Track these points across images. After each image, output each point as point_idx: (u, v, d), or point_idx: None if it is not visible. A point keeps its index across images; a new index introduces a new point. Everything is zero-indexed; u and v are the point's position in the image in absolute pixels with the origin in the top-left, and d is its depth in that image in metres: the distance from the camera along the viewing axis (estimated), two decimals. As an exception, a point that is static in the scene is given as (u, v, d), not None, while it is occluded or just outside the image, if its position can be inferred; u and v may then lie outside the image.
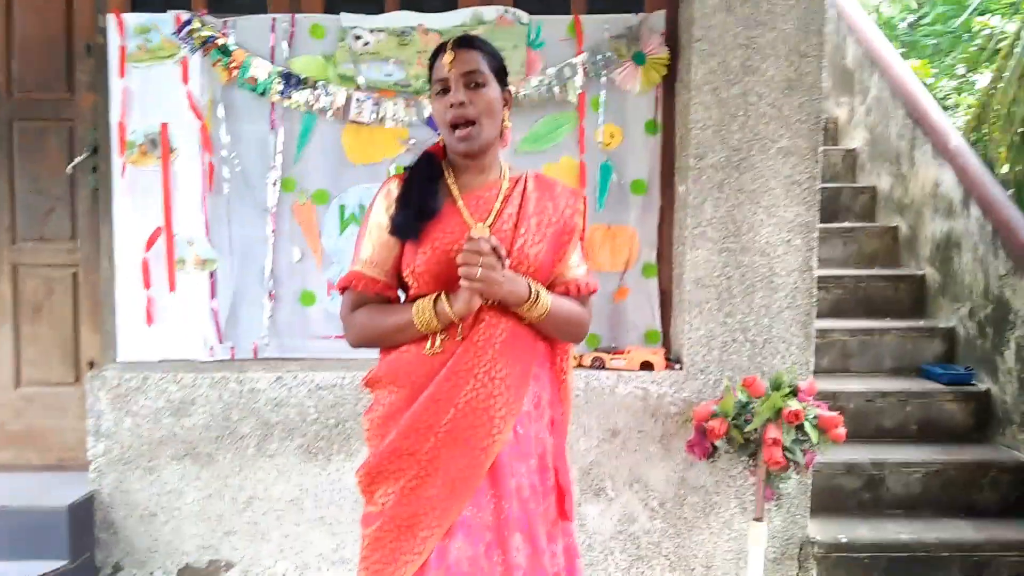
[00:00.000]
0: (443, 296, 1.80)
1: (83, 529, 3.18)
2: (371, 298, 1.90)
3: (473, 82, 1.82)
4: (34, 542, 3.08)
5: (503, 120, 1.89)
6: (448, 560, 1.76)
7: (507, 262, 1.77)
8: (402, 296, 1.96)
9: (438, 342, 1.83)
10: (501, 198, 1.89)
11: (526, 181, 1.94)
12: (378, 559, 1.83)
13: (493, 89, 1.85)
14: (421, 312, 1.80)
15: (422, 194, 1.85)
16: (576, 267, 1.98)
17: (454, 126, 1.83)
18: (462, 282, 1.74)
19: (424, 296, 1.84)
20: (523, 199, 1.90)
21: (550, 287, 1.91)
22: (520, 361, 1.86)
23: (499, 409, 1.82)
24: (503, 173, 1.94)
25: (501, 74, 1.89)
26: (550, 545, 1.88)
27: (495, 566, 1.77)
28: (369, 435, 1.93)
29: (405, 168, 1.95)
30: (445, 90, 1.84)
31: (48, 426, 3.55)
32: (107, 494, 3.23)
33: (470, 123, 1.82)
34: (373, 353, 3.28)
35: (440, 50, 1.87)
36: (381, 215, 1.88)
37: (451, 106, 1.81)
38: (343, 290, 1.92)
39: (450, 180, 1.89)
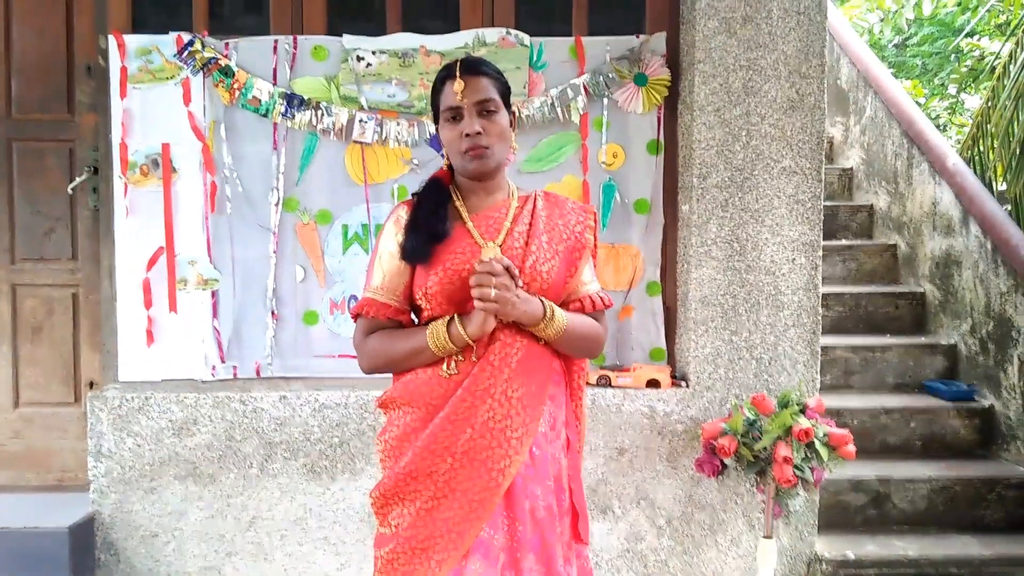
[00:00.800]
0: (456, 319, 1.79)
1: (84, 551, 3.15)
2: (384, 323, 1.89)
3: (485, 110, 1.83)
4: (35, 564, 3.05)
5: (511, 141, 1.91)
6: None
7: (520, 281, 1.77)
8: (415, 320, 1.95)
9: (453, 364, 1.82)
10: (511, 217, 1.89)
11: (535, 199, 1.94)
12: None
13: (504, 115, 1.86)
14: (435, 336, 1.79)
15: (431, 218, 1.84)
16: (589, 283, 1.98)
17: (465, 151, 1.83)
18: (476, 303, 1.74)
19: (437, 318, 1.84)
20: (533, 217, 1.90)
21: (564, 304, 1.91)
22: (536, 380, 1.85)
23: (515, 430, 1.81)
24: (511, 193, 1.95)
25: (507, 96, 1.90)
26: (566, 567, 1.87)
27: None
28: (383, 456, 1.91)
29: (413, 194, 1.95)
30: (456, 117, 1.83)
31: (48, 446, 3.53)
32: (108, 515, 3.20)
33: (485, 148, 1.83)
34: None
35: (446, 74, 1.86)
36: (391, 242, 1.88)
37: (466, 135, 1.81)
38: (356, 317, 1.92)
39: (458, 203, 1.89)
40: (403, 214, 1.90)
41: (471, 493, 1.78)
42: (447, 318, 1.81)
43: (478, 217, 1.88)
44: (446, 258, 1.81)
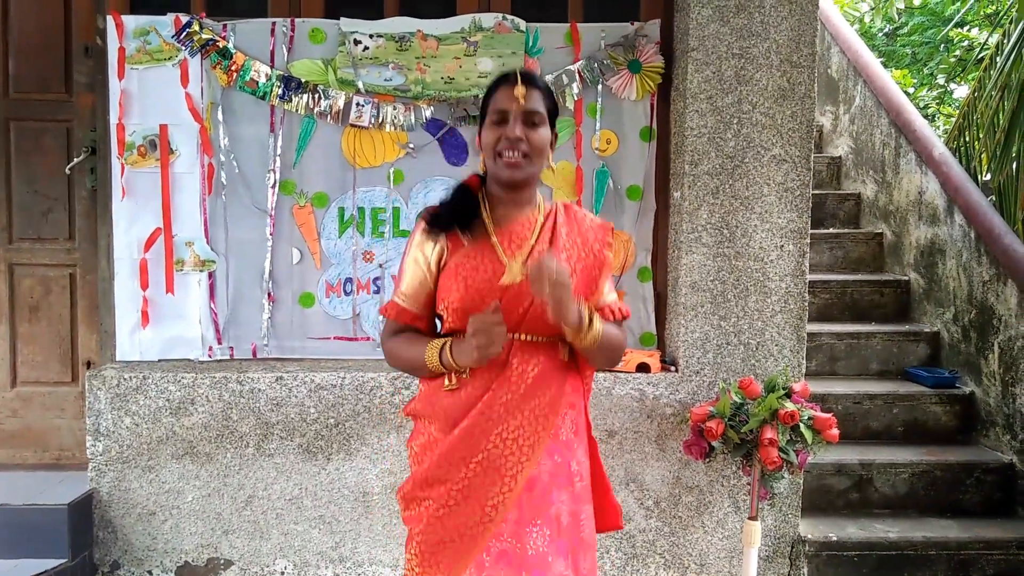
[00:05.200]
0: (448, 347, 1.84)
1: (82, 528, 3.19)
2: (402, 327, 1.97)
3: (531, 121, 1.86)
4: (33, 540, 3.08)
5: (548, 158, 1.93)
6: None
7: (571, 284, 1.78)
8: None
9: (454, 379, 1.88)
10: (536, 234, 1.91)
11: (556, 214, 1.96)
12: None
13: (547, 131, 1.89)
14: (431, 358, 1.86)
15: (463, 208, 1.89)
16: (609, 294, 2.00)
17: (500, 154, 1.85)
18: (546, 302, 1.73)
19: (455, 332, 1.90)
20: (554, 234, 1.92)
21: None
22: (551, 392, 1.89)
23: (528, 438, 1.85)
24: (538, 206, 1.96)
25: (553, 115, 1.93)
26: (584, 566, 1.91)
27: None
28: (411, 461, 2.01)
29: (440, 202, 1.98)
30: (502, 120, 1.86)
31: (45, 425, 3.56)
32: (106, 493, 3.24)
33: (522, 156, 1.85)
34: (375, 354, 3.29)
35: (503, 80, 1.89)
36: (417, 249, 1.92)
37: (506, 139, 1.84)
38: (384, 315, 2.01)
39: (485, 215, 1.91)
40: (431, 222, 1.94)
41: (485, 499, 1.83)
42: (441, 343, 1.86)
43: (502, 232, 1.90)
44: (468, 273, 1.85)
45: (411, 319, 1.96)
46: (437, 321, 2.00)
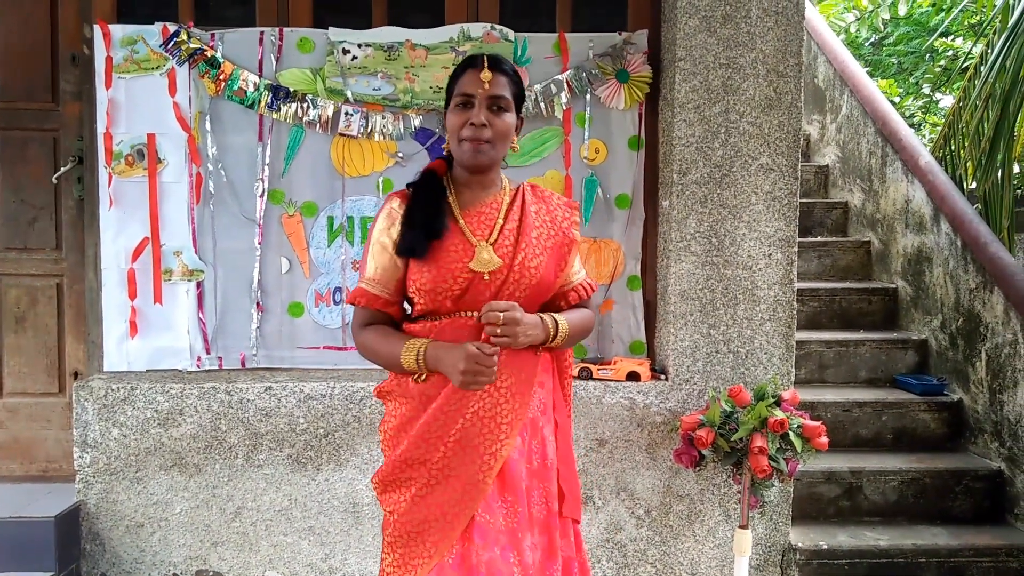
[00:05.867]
0: (424, 352, 1.85)
1: (69, 540, 3.16)
2: (375, 313, 1.96)
3: (496, 105, 1.88)
4: (21, 553, 3.05)
5: (513, 142, 1.96)
6: (468, 564, 1.81)
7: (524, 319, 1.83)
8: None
9: (424, 376, 1.89)
10: (503, 214, 1.94)
11: (523, 193, 2.00)
12: (391, 562, 1.90)
13: (511, 116, 1.92)
14: (407, 361, 1.87)
15: (428, 213, 1.88)
16: (578, 272, 2.06)
17: (466, 140, 1.88)
18: (458, 363, 1.80)
19: (429, 313, 1.92)
20: (523, 213, 1.95)
21: (560, 295, 2.00)
22: (524, 369, 1.92)
23: (505, 416, 1.88)
24: (503, 187, 2.00)
25: (519, 100, 1.95)
26: (563, 541, 1.97)
27: (512, 567, 1.82)
28: (383, 445, 2.00)
29: (407, 185, 1.99)
30: (466, 104, 1.88)
31: (32, 436, 3.54)
32: (93, 505, 3.21)
33: (484, 142, 1.87)
34: (364, 364, 3.28)
35: (470, 64, 1.90)
36: (383, 234, 1.93)
37: (471, 124, 1.86)
38: (351, 304, 1.99)
39: (451, 198, 1.94)
40: (396, 207, 1.94)
41: (464, 478, 1.85)
42: (419, 347, 1.86)
43: (469, 214, 1.93)
44: (439, 256, 1.86)
45: (383, 305, 1.95)
46: (407, 305, 2.01)
